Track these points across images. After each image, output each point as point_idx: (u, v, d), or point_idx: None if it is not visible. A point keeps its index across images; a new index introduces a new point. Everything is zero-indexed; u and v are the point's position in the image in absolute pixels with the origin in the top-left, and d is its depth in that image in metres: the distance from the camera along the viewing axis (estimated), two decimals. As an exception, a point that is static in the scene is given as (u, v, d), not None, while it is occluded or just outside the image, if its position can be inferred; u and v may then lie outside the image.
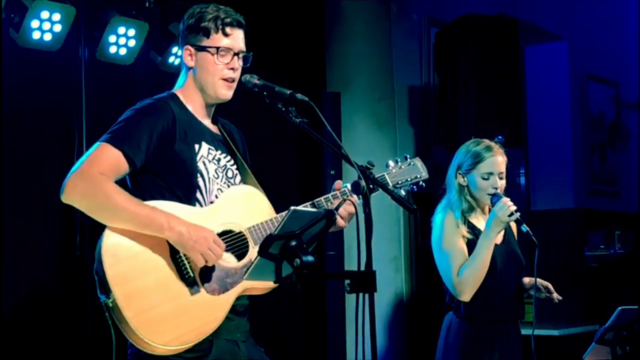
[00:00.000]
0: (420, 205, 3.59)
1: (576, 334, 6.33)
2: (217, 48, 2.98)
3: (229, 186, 3.03)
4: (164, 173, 2.91)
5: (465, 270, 3.79)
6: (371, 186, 2.78)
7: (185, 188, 2.92)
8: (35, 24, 4.53)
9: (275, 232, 2.58)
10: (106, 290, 2.70)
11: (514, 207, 3.75)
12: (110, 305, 2.69)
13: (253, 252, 2.89)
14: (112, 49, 4.90)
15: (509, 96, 6.31)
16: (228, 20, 3.00)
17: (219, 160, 3.04)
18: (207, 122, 3.09)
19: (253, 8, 5.62)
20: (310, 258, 2.55)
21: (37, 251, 4.71)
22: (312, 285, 5.79)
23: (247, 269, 2.74)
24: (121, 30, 4.87)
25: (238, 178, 3.09)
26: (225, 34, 2.99)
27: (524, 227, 3.76)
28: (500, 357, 3.84)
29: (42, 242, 4.74)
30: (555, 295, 3.89)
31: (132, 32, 4.90)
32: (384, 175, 3.14)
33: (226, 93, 3.03)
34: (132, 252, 2.75)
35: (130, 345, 2.81)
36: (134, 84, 5.09)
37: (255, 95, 2.98)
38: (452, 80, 6.25)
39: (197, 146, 2.98)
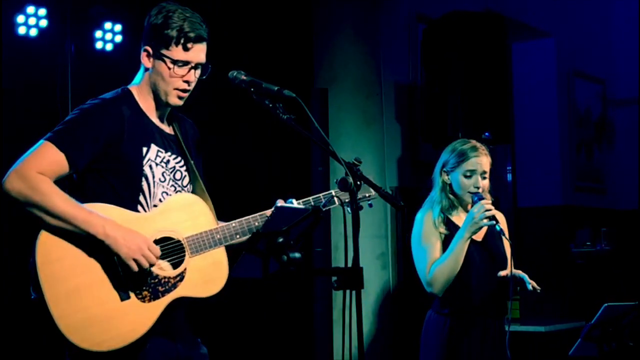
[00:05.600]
0: (407, 201, 3.61)
1: (562, 331, 6.34)
2: (175, 61, 2.96)
3: (175, 188, 3.03)
4: (109, 174, 2.91)
5: (436, 267, 3.85)
6: (358, 182, 2.79)
7: (128, 190, 2.92)
8: (21, 19, 4.51)
9: (262, 229, 2.58)
10: (37, 288, 2.72)
11: (491, 212, 3.77)
12: (40, 303, 2.71)
13: (188, 261, 2.91)
14: (99, 44, 4.88)
15: (496, 93, 6.31)
16: (191, 35, 2.96)
17: (167, 162, 3.03)
18: (159, 122, 3.07)
19: (241, 4, 5.62)
20: (297, 254, 2.55)
21: (20, 243, 4.68)
22: (299, 282, 5.79)
23: (182, 277, 2.85)
24: (107, 25, 4.85)
25: (187, 179, 3.09)
26: (186, 49, 2.96)
27: (498, 227, 3.80)
28: (480, 353, 3.86)
29: (25, 235, 4.71)
30: (532, 284, 3.88)
31: (118, 27, 4.89)
32: (330, 192, 3.13)
33: (177, 101, 3.01)
34: (65, 253, 2.76)
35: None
36: (120, 80, 5.06)
37: (243, 91, 2.98)
38: (439, 77, 6.25)
39: (144, 149, 2.96)
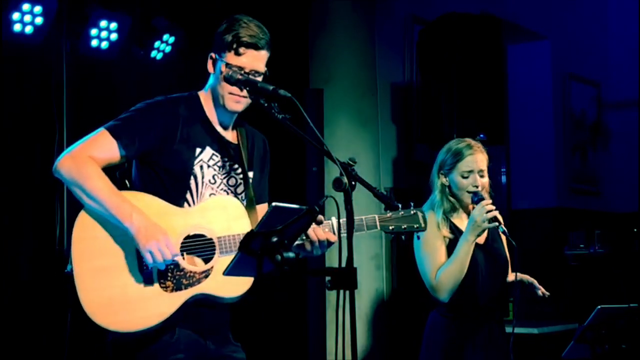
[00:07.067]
0: (402, 202, 3.59)
1: (556, 333, 6.35)
2: (227, 64, 3.04)
3: (227, 193, 3.10)
4: (161, 169, 3.03)
5: (441, 272, 3.80)
6: (353, 183, 2.78)
7: (176, 187, 3.03)
8: (16, 16, 4.51)
9: (257, 228, 2.58)
10: (72, 262, 2.88)
11: (492, 214, 3.73)
12: (71, 277, 2.87)
13: (217, 260, 2.96)
14: (94, 43, 4.87)
15: (492, 95, 6.32)
16: (244, 40, 3.03)
17: (222, 166, 3.11)
18: (221, 128, 3.15)
19: (237, 4, 5.61)
20: (291, 254, 2.55)
21: (16, 245, 4.68)
22: (293, 281, 5.80)
23: (207, 274, 2.92)
24: (103, 23, 4.85)
25: (241, 188, 3.16)
26: (238, 54, 3.04)
27: (502, 228, 3.77)
28: (485, 356, 3.84)
29: (21, 236, 4.71)
30: (542, 290, 3.88)
31: (114, 25, 4.88)
32: (374, 217, 3.11)
33: (234, 106, 3.08)
34: (98, 234, 2.90)
35: None
36: (116, 78, 5.07)
37: (238, 90, 2.98)
38: (434, 78, 6.26)
39: (198, 149, 3.06)
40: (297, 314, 5.87)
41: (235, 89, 3.02)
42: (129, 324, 2.86)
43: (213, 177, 3.07)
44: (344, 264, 2.65)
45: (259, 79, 3.04)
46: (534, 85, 8.28)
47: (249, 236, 2.58)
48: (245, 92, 3.03)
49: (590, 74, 8.74)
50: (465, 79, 6.17)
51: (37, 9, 4.55)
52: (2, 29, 4.51)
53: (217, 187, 3.08)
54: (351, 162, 2.87)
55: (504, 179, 8.10)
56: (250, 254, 2.59)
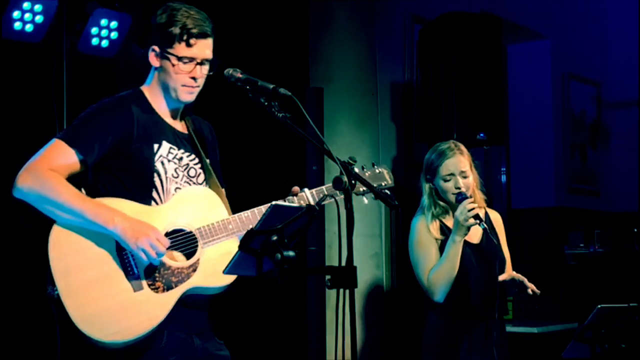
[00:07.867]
0: (401, 201, 3.60)
1: (555, 332, 6.35)
2: (180, 58, 2.99)
3: (190, 185, 3.06)
4: (120, 172, 2.96)
5: (433, 273, 3.86)
6: (353, 182, 2.79)
7: (141, 187, 2.97)
8: (16, 14, 4.51)
9: (257, 227, 2.58)
10: (52, 282, 2.79)
11: (473, 212, 3.75)
12: (55, 297, 2.78)
13: (201, 252, 2.94)
14: (94, 41, 4.87)
15: (491, 94, 6.32)
16: (194, 31, 2.99)
17: (180, 159, 3.06)
18: (171, 120, 3.11)
19: (237, 3, 5.61)
20: (291, 253, 2.56)
21: (15, 245, 4.67)
22: (292, 281, 5.79)
23: (195, 267, 2.89)
24: (103, 22, 4.84)
25: (201, 177, 3.12)
26: (189, 45, 2.99)
27: (482, 225, 3.79)
28: (481, 355, 3.86)
29: (21, 236, 4.70)
30: (532, 287, 3.89)
31: (114, 24, 4.88)
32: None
33: (188, 97, 3.05)
34: (77, 247, 2.82)
35: None
36: (116, 77, 5.06)
37: (238, 89, 2.98)
38: (434, 77, 6.26)
39: (156, 145, 3.01)
40: (297, 313, 5.87)
41: (189, 81, 3.00)
42: (127, 332, 2.81)
43: (175, 170, 3.03)
44: (343, 263, 2.65)
45: (207, 66, 3.02)
46: (534, 85, 8.28)
47: (248, 235, 2.58)
48: (198, 83, 3.02)
49: (590, 73, 8.74)
50: (465, 79, 6.18)
51: (37, 7, 4.54)
52: (2, 27, 4.51)
53: (181, 181, 3.03)
54: (351, 161, 2.87)
55: (503, 178, 8.11)
56: (250, 252, 2.59)
